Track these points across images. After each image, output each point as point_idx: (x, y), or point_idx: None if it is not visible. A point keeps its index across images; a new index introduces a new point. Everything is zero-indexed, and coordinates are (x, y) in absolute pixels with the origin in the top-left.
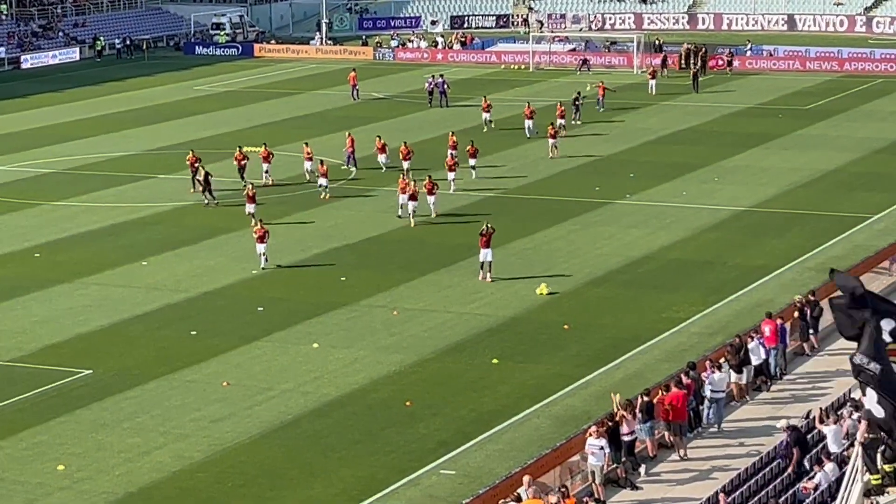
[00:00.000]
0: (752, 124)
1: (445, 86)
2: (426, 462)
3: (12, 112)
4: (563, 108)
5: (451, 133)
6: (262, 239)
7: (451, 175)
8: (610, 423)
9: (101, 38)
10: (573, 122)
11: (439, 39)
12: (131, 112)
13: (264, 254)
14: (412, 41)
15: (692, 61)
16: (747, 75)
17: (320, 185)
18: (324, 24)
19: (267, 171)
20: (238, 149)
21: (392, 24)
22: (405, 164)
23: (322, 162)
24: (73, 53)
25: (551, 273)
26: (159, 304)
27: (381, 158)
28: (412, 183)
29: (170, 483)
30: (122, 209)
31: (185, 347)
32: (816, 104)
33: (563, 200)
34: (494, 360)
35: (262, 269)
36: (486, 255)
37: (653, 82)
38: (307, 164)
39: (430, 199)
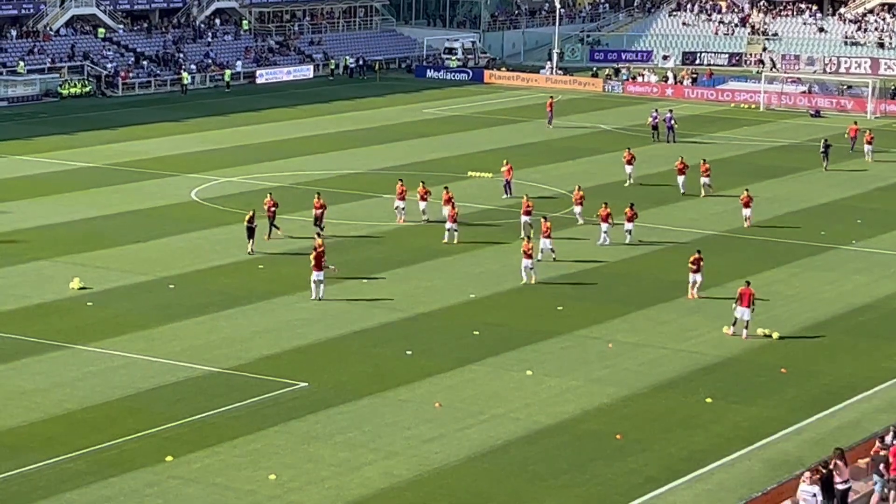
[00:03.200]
0: None
1: (673, 121)
2: (633, 497)
3: (245, 125)
4: (707, 164)
5: (577, 187)
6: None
7: (604, 226)
8: (823, 471)
9: (346, 58)
10: (824, 169)
11: (669, 74)
12: (360, 131)
13: (321, 281)
14: (643, 75)
15: None
16: None
17: (448, 229)
18: (555, 54)
19: (423, 211)
20: (421, 184)
21: (623, 58)
22: (704, 180)
23: (453, 205)
24: (307, 71)
25: (771, 315)
26: (377, 322)
27: (445, 211)
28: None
29: (377, 500)
30: (345, 226)
31: (399, 366)
32: None
33: (786, 243)
34: (708, 399)
35: (319, 299)
36: (743, 313)
37: (869, 148)
38: (422, 205)
39: (527, 262)
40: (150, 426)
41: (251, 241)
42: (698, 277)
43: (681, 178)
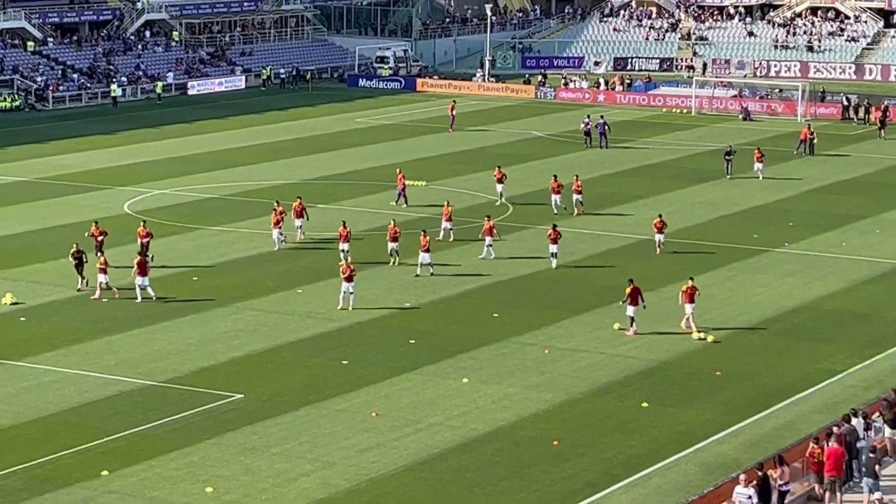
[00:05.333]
0: None
1: (606, 127)
2: (571, 502)
3: (177, 137)
4: (580, 182)
5: (447, 203)
6: (349, 279)
7: (487, 240)
8: (759, 473)
9: (269, 68)
10: (727, 177)
11: (601, 80)
12: (293, 141)
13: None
14: (574, 81)
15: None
16: None
17: (342, 251)
18: (487, 61)
19: (300, 227)
20: (299, 199)
21: (555, 64)
22: (577, 197)
23: (345, 224)
24: (239, 81)
25: (705, 318)
26: (312, 332)
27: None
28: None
29: None
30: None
31: (336, 376)
32: None
33: (720, 246)
34: (644, 404)
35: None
36: (631, 311)
37: (759, 166)
38: (297, 222)
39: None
40: (86, 441)
41: (81, 276)
42: (692, 309)
43: (555, 198)
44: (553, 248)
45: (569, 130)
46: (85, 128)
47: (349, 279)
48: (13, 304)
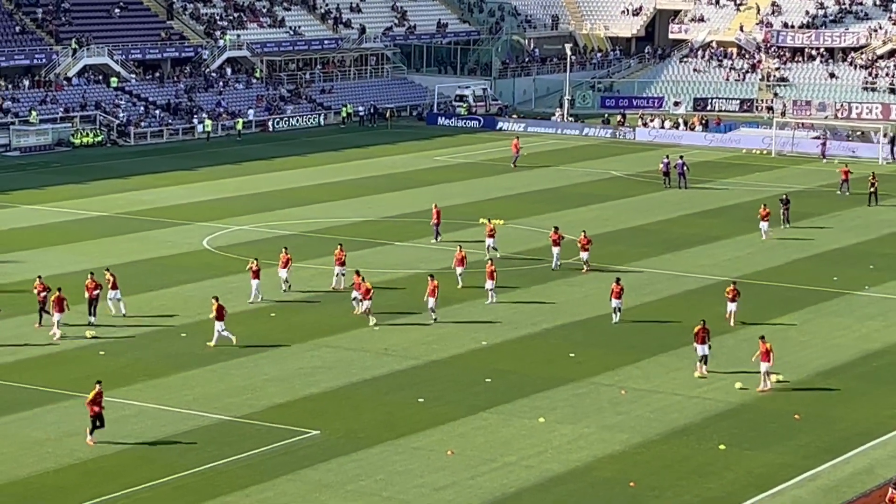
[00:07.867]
0: None
1: (685, 167)
2: None
3: (257, 173)
4: (587, 237)
5: (459, 247)
6: (219, 317)
7: (489, 283)
8: None
9: (349, 106)
10: (782, 227)
11: (680, 121)
12: (372, 179)
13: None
14: (653, 121)
15: None
16: None
17: (354, 298)
18: (566, 101)
19: (341, 275)
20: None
21: (634, 104)
22: (584, 255)
23: (363, 277)
24: (319, 119)
25: (784, 361)
26: (388, 370)
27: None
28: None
29: None
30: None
31: (411, 414)
32: None
33: (799, 289)
34: (721, 446)
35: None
36: (702, 349)
37: (765, 225)
38: (337, 269)
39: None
40: (162, 475)
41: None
42: (766, 367)
43: (555, 250)
44: (615, 303)
45: (647, 170)
46: (166, 163)
47: (220, 318)
48: (93, 337)
